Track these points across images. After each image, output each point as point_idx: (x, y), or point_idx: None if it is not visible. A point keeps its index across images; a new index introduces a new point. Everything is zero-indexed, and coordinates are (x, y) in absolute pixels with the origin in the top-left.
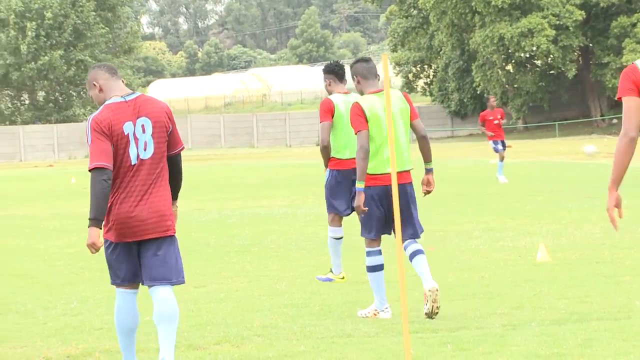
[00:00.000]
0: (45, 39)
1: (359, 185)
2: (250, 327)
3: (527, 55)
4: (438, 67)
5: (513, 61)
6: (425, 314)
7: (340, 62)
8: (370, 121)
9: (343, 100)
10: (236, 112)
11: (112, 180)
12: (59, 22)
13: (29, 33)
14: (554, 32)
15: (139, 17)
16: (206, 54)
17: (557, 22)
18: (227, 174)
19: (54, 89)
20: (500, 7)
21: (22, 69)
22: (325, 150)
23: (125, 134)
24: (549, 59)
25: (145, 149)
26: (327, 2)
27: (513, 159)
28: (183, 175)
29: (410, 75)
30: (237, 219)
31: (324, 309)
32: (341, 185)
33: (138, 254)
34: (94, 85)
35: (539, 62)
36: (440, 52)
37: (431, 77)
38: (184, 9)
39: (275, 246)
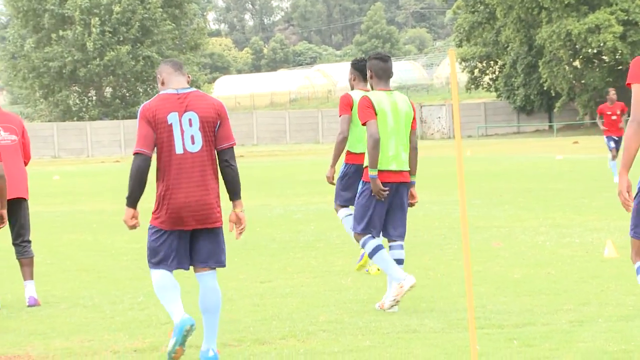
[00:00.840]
0: (110, 35)
1: (372, 172)
2: (316, 322)
3: (595, 51)
4: (505, 63)
5: (580, 57)
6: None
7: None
8: (377, 115)
9: None
10: (301, 108)
11: (159, 169)
12: (126, 18)
13: (94, 29)
14: (621, 28)
15: (205, 13)
16: (272, 50)
17: (626, 18)
18: (292, 170)
19: (120, 85)
20: (567, 2)
21: (89, 65)
22: (343, 143)
23: (169, 123)
24: (617, 54)
25: (193, 142)
26: None
27: (581, 155)
28: (238, 171)
29: (476, 71)
30: (302, 215)
31: None
32: (351, 178)
33: (186, 242)
34: (159, 77)
35: (606, 58)
36: (507, 48)
37: (497, 72)
38: (250, 6)
39: (340, 242)
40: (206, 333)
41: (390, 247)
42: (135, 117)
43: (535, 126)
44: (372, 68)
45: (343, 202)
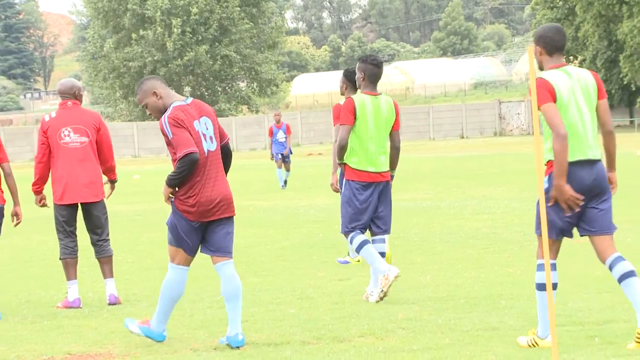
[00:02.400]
0: (190, 35)
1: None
2: (395, 320)
3: None
4: (585, 58)
5: None
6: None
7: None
8: (359, 119)
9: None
10: None
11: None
12: (204, 18)
13: (175, 30)
14: None
15: (283, 12)
16: (350, 48)
17: None
18: None
19: (199, 84)
20: None
21: (169, 65)
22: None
23: (197, 130)
24: None
25: (212, 142)
26: None
27: None
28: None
29: None
30: None
31: (469, 302)
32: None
33: (201, 232)
34: (155, 93)
35: None
36: (586, 43)
37: None
38: (328, 4)
39: (419, 239)
40: (230, 319)
41: (373, 240)
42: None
43: (616, 121)
44: (365, 71)
45: None
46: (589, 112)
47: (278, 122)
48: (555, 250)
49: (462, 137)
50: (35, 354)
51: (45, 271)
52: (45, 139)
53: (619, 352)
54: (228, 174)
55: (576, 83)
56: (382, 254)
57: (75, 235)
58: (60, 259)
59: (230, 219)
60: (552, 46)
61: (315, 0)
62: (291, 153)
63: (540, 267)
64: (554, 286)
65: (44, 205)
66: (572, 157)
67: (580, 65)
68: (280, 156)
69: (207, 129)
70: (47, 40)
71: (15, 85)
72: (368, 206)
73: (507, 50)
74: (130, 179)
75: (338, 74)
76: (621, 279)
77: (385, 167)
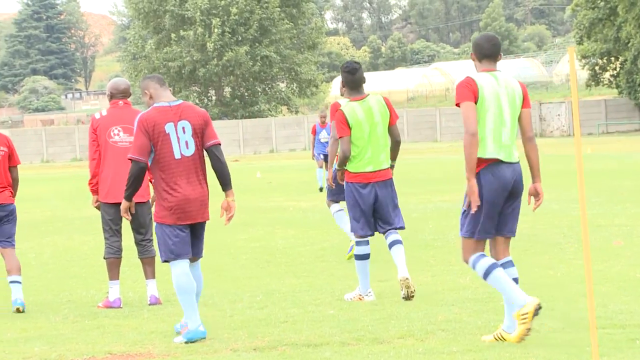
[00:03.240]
0: (230, 36)
1: (338, 170)
2: (434, 322)
3: None
4: (626, 59)
5: None
6: (403, 297)
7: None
8: (353, 127)
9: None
10: (419, 107)
11: (160, 171)
12: (244, 18)
13: (215, 30)
14: None
15: (323, 12)
16: (389, 49)
17: None
18: (410, 168)
19: (239, 84)
20: None
21: (208, 65)
22: (335, 146)
23: (167, 132)
24: None
25: (187, 147)
26: None
27: None
28: (227, 165)
29: (596, 68)
30: (420, 214)
31: None
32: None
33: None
34: (146, 93)
35: None
36: (628, 44)
37: (618, 69)
38: (368, 4)
39: (459, 241)
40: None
41: (385, 235)
42: (254, 117)
43: None
44: (343, 80)
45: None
46: (511, 117)
47: (323, 122)
48: (482, 247)
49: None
50: (76, 353)
51: (86, 271)
52: (96, 136)
53: None
54: (231, 176)
55: (502, 88)
56: (398, 242)
57: (121, 235)
58: (104, 257)
59: (203, 224)
60: (481, 53)
61: (355, 0)
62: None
63: (478, 258)
64: (516, 280)
65: (99, 207)
66: (494, 155)
67: (622, 65)
68: (322, 157)
69: (184, 133)
70: (88, 41)
71: (57, 86)
72: (371, 203)
73: (548, 51)
74: None
75: (378, 75)
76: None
77: (385, 164)
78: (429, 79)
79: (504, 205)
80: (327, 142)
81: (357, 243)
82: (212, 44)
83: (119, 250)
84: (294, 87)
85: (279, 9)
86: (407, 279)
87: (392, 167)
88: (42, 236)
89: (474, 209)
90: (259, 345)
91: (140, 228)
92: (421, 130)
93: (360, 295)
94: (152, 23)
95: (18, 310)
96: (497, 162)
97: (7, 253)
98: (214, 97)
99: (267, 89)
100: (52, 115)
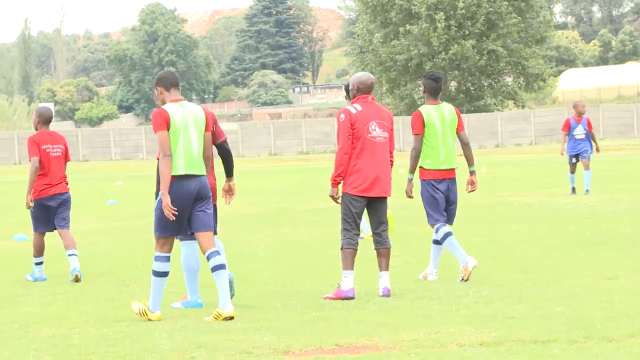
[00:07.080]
0: (456, 29)
1: (410, 176)
2: None
3: None
4: None
5: None
6: (461, 280)
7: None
8: (427, 127)
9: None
10: None
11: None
12: (471, 12)
13: (439, 24)
14: None
15: (552, 6)
16: (620, 42)
17: None
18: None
19: (465, 79)
20: None
21: (435, 59)
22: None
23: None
24: None
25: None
26: None
27: None
28: (232, 156)
29: None
30: None
31: None
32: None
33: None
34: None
35: None
36: None
37: None
38: None
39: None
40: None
41: (436, 229)
42: (479, 111)
43: None
44: (425, 85)
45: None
46: (198, 138)
47: (580, 115)
48: (170, 246)
49: None
50: (304, 344)
51: (311, 263)
52: (352, 131)
53: None
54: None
55: (189, 114)
56: (449, 233)
57: (359, 228)
58: (341, 248)
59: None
60: (168, 83)
61: None
62: (592, 152)
63: (157, 259)
64: (167, 274)
65: (338, 200)
66: (182, 171)
67: None
68: (574, 160)
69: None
70: (316, 35)
71: (285, 80)
72: (444, 197)
73: None
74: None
75: (606, 69)
76: (214, 269)
77: (454, 164)
78: None
79: (192, 209)
80: (581, 139)
81: (436, 229)
82: (437, 38)
83: (357, 243)
84: (521, 82)
85: (506, 3)
86: (468, 268)
87: (473, 172)
88: (271, 228)
89: (171, 218)
90: (485, 341)
91: (380, 219)
92: None
93: (464, 265)
94: (380, 17)
95: (76, 278)
96: (186, 176)
97: (64, 233)
98: None
99: (493, 83)
100: (280, 108)
